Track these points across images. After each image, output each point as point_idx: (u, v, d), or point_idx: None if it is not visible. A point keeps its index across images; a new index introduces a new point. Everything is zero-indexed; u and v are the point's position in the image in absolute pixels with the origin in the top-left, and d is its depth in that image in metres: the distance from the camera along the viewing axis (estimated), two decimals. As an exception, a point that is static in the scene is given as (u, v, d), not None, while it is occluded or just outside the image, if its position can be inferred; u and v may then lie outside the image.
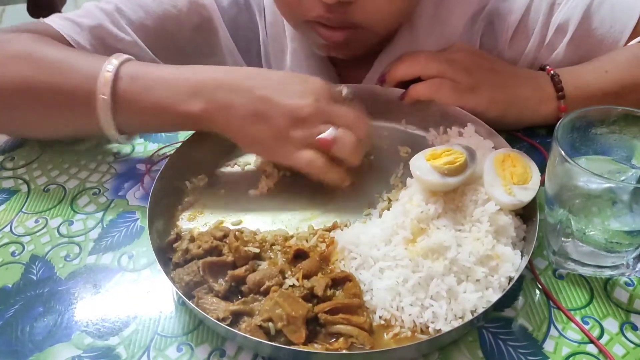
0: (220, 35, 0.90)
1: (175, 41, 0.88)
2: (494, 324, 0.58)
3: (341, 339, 0.55)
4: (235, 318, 0.56)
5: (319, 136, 0.66)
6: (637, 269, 0.61)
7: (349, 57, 0.83)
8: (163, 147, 0.82)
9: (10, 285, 0.64)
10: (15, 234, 0.70)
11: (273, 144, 0.67)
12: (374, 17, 0.74)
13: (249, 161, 0.77)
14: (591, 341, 0.56)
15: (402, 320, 0.56)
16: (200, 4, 0.88)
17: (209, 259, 0.60)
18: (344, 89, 0.73)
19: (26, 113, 0.75)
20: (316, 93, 0.67)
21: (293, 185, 0.73)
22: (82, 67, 0.71)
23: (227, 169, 0.77)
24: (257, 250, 0.62)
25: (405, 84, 0.79)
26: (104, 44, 0.80)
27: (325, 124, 0.67)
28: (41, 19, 0.82)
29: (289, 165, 0.69)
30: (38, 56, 0.73)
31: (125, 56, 0.72)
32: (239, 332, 0.53)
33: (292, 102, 0.66)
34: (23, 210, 0.74)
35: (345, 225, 0.67)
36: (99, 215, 0.72)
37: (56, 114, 0.73)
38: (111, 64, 0.69)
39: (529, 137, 0.81)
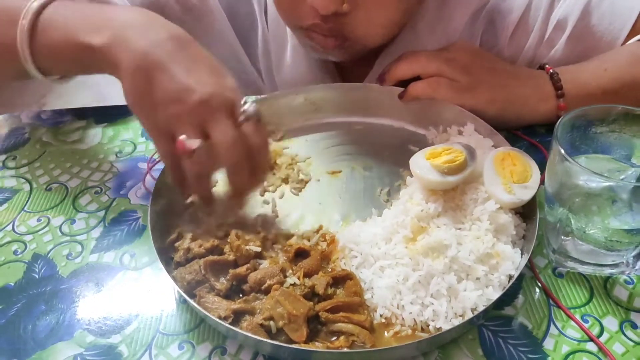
0: (216, 17, 0.89)
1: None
2: (494, 322, 0.58)
3: (342, 337, 0.55)
4: (237, 316, 0.56)
5: (181, 137, 0.58)
6: (636, 267, 0.61)
7: (345, 60, 0.83)
8: (164, 146, 0.82)
9: (12, 284, 0.65)
10: (17, 233, 0.71)
11: (147, 114, 0.61)
12: (366, 29, 0.75)
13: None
14: (591, 339, 0.56)
15: (403, 319, 0.57)
16: None
17: (210, 257, 0.60)
18: (248, 102, 0.61)
19: None
20: (218, 89, 0.59)
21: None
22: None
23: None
24: (259, 249, 0.62)
25: (405, 83, 0.80)
26: None
27: (197, 128, 0.58)
28: None
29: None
30: None
31: None
32: (240, 331, 0.54)
33: (187, 81, 0.58)
34: (25, 209, 0.74)
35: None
36: (101, 214, 0.73)
37: None
38: None
39: (528, 135, 0.81)
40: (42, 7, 0.67)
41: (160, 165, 0.77)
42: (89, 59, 0.65)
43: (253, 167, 0.61)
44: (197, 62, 0.61)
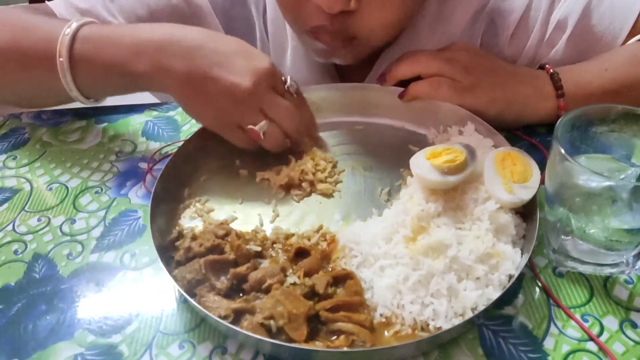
0: (210, 22, 0.90)
1: None
2: (494, 322, 0.58)
3: (342, 337, 0.55)
4: (237, 316, 0.56)
5: (250, 126, 0.69)
6: (636, 267, 0.61)
7: (350, 62, 0.83)
8: (165, 146, 0.82)
9: (12, 284, 0.65)
10: (17, 233, 0.71)
11: (209, 117, 0.71)
12: (372, 28, 0.75)
13: (251, 160, 0.78)
14: (591, 339, 0.56)
15: (403, 318, 0.57)
16: None
17: (210, 257, 0.60)
18: (289, 79, 0.72)
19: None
20: (258, 74, 0.68)
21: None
22: (46, 29, 0.73)
23: (228, 168, 0.77)
24: (259, 249, 0.62)
25: (405, 83, 0.80)
26: None
27: (258, 113, 0.69)
28: (46, 1, 0.85)
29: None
30: (13, 20, 0.76)
31: (86, 19, 0.74)
32: (241, 330, 0.54)
33: (231, 79, 0.67)
34: (25, 209, 0.74)
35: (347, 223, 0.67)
36: (101, 213, 0.73)
37: (23, 73, 0.76)
38: (70, 27, 0.71)
39: (529, 135, 0.81)
40: (73, 38, 0.71)
41: (161, 165, 0.77)
42: (134, 84, 0.73)
43: (305, 123, 0.76)
44: (229, 55, 0.69)
